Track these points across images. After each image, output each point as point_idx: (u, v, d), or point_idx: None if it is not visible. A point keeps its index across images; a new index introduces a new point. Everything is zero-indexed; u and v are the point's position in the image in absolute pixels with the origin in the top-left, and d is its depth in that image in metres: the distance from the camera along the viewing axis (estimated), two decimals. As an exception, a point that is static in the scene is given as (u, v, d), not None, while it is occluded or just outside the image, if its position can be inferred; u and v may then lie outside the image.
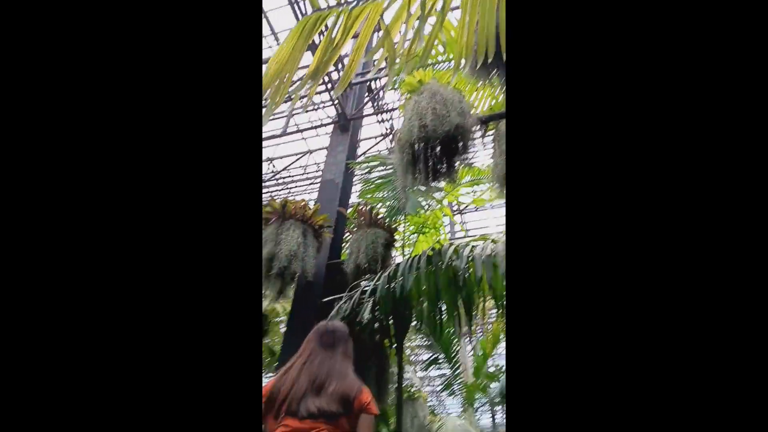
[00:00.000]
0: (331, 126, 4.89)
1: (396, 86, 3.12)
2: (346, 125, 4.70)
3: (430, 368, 5.64)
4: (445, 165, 2.43)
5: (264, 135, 6.11)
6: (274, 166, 7.49)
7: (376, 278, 2.67)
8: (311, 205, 3.36)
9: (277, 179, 7.51)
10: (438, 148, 2.28)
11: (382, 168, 3.50)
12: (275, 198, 3.32)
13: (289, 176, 7.57)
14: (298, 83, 1.45)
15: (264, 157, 7.37)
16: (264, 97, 1.28)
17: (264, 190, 7.45)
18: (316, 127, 5.90)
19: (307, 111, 5.81)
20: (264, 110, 1.28)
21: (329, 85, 4.95)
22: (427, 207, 3.69)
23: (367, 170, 3.52)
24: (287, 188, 7.53)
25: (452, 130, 2.15)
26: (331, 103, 4.90)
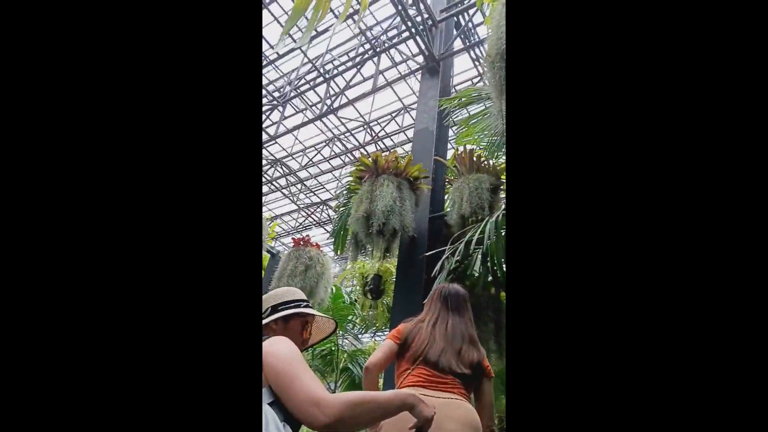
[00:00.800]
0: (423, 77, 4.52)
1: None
2: (434, 67, 4.30)
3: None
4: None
5: (353, 95, 6.01)
6: (370, 129, 7.43)
7: (482, 225, 2.36)
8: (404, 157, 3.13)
9: (374, 141, 7.45)
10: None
11: (479, 103, 3.08)
12: (368, 156, 3.17)
13: (386, 136, 7.44)
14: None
15: (358, 124, 7.34)
16: (308, 9, 1.07)
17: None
18: (404, 76, 5.58)
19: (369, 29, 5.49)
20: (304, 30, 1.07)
21: (413, 30, 4.54)
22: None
23: (459, 106, 3.13)
24: (387, 150, 7.43)
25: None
26: (419, 51, 4.51)
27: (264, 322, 1.06)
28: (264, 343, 0.88)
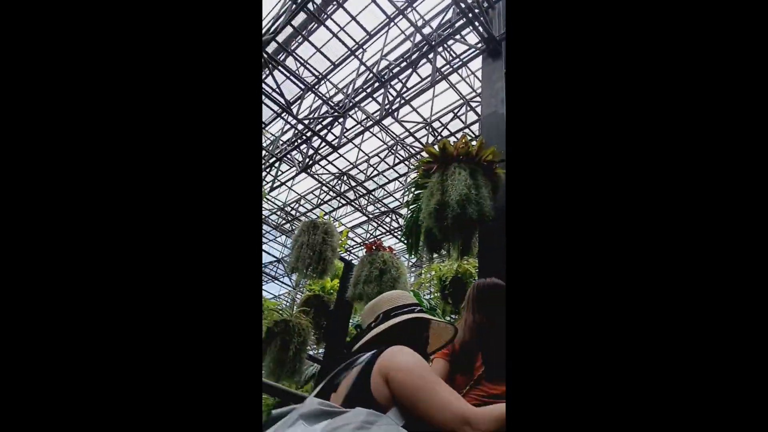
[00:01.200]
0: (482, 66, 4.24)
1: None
2: (496, 49, 4.01)
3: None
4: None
5: (409, 95, 5.87)
6: (432, 128, 7.21)
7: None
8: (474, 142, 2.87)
9: (436, 138, 7.22)
10: None
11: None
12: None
13: (450, 135, 7.17)
14: None
15: (420, 127, 7.17)
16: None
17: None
18: (461, 66, 5.31)
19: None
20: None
21: (470, 15, 4.29)
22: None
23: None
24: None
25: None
26: (479, 39, 4.26)
27: (377, 330, 0.94)
28: (383, 355, 0.76)
